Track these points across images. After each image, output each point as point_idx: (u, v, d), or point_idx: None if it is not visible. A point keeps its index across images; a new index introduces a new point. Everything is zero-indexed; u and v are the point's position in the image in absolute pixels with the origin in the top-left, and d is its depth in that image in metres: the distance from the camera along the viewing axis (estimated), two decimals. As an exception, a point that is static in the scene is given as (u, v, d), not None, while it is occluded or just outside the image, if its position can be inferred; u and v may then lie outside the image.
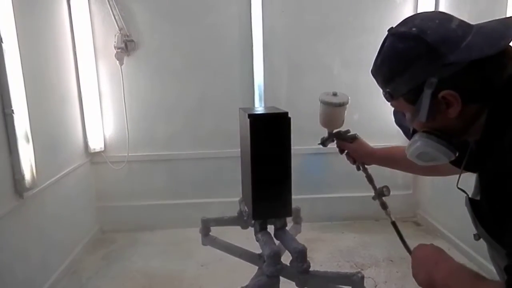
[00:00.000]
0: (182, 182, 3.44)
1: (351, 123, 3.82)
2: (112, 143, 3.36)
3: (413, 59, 0.79)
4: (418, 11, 3.21)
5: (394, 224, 1.29)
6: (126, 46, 3.12)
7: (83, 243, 3.09)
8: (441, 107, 0.79)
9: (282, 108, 1.73)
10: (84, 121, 3.18)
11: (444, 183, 2.51)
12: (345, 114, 1.48)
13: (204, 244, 1.90)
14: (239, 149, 1.84)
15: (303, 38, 3.28)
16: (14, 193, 2.21)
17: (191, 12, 3.21)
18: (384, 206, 1.42)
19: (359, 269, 2.73)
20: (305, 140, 3.50)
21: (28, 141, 2.24)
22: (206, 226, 1.84)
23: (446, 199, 2.96)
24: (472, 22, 0.82)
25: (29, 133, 2.25)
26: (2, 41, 2.05)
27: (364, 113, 3.30)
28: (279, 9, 3.22)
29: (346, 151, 1.50)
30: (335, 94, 1.46)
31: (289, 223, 1.79)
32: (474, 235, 0.86)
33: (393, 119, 1.01)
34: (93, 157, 3.31)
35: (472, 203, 0.84)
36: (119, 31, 3.09)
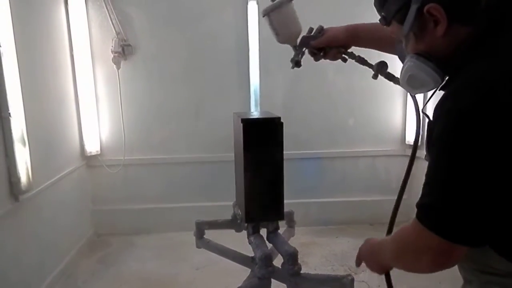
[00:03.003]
0: (177, 186, 3.45)
1: (345, 128, 3.85)
2: (108, 146, 3.36)
3: None
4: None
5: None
6: (123, 51, 3.13)
7: (79, 246, 3.09)
8: (428, 25, 0.80)
9: (278, 113, 1.75)
10: (81, 125, 3.18)
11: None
12: (296, 12, 1.31)
13: (198, 246, 1.92)
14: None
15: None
16: (10, 196, 2.21)
17: (188, 17, 3.23)
18: (389, 77, 1.23)
19: (352, 273, 2.75)
20: (300, 145, 3.54)
21: (24, 144, 2.25)
22: (200, 229, 1.86)
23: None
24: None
25: (25, 136, 2.25)
26: (0, 45, 2.07)
27: (359, 117, 3.33)
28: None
29: (321, 52, 1.31)
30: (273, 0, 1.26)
31: (283, 227, 1.81)
32: (425, 156, 0.89)
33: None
34: (89, 161, 3.31)
35: (428, 126, 0.85)
36: (116, 36, 3.11)
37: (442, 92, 0.83)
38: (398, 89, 3.41)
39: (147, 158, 3.40)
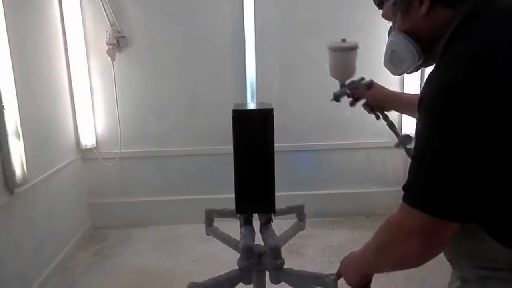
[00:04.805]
0: (174, 179, 3.44)
1: (342, 121, 3.84)
2: (104, 139, 3.35)
3: None
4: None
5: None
6: (118, 42, 3.10)
7: (75, 239, 3.09)
8: (414, 4, 0.85)
9: (274, 105, 1.74)
10: (76, 118, 3.17)
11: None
12: (357, 60, 1.39)
13: (207, 233, 1.92)
14: (231, 146, 1.85)
15: (295, 36, 3.30)
16: (5, 189, 2.21)
17: (184, 9, 3.20)
18: (409, 152, 1.24)
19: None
20: (296, 137, 3.54)
21: (18, 137, 2.23)
22: (209, 217, 1.85)
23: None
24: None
25: (19, 129, 2.24)
26: (-8, 37, 2.04)
27: (356, 110, 3.31)
28: (271, 7, 3.23)
29: (359, 101, 1.40)
30: (344, 41, 1.40)
31: (294, 219, 1.80)
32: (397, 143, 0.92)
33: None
34: (84, 154, 3.30)
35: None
36: (110, 27, 3.08)
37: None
38: (394, 81, 3.41)
39: (143, 151, 3.39)
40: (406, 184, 0.82)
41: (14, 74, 2.20)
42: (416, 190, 0.79)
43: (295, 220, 1.86)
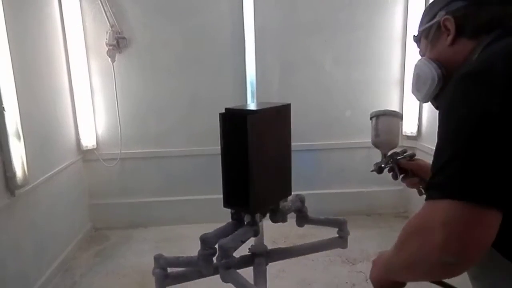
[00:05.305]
0: (175, 179, 3.45)
1: (342, 120, 3.85)
2: (105, 140, 3.35)
3: (436, 1, 0.96)
4: (409, 9, 3.24)
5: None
6: (118, 43, 3.11)
7: (76, 240, 3.09)
8: (442, 36, 0.92)
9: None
10: (76, 119, 3.17)
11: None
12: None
13: None
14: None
15: (295, 35, 3.30)
16: (6, 190, 2.21)
17: (183, 9, 3.21)
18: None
19: (350, 263, 2.77)
20: (296, 136, 3.52)
21: (19, 138, 2.23)
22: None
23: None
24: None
25: (20, 130, 2.24)
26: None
27: (356, 109, 3.33)
28: (271, 6, 3.23)
29: (402, 174, 1.30)
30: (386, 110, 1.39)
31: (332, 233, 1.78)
32: None
33: None
34: (85, 155, 3.30)
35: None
36: (110, 28, 3.08)
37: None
38: (394, 81, 3.41)
39: (144, 151, 3.39)
40: (427, 185, 0.71)
41: (14, 75, 2.20)
42: (439, 182, 0.67)
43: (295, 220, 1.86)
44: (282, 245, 2.27)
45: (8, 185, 2.21)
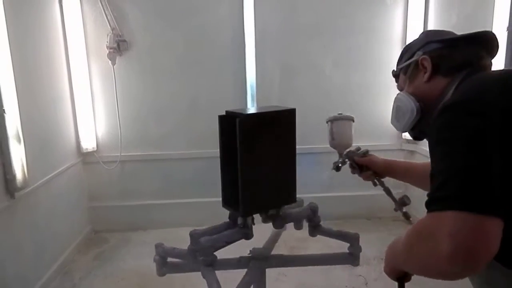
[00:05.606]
0: (174, 182, 3.44)
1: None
2: (105, 143, 3.35)
3: (414, 43, 1.09)
4: (409, 12, 3.25)
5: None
6: (119, 46, 3.12)
7: (76, 243, 3.09)
8: (419, 73, 1.02)
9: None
10: (76, 121, 3.17)
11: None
12: (353, 131, 1.53)
13: None
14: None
15: (295, 39, 3.31)
16: (6, 193, 2.21)
17: (183, 12, 3.22)
18: (406, 216, 1.44)
19: (350, 267, 2.76)
20: (296, 140, 3.53)
21: (19, 141, 2.24)
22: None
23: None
24: (460, 24, 0.90)
25: (20, 133, 2.24)
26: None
27: (355, 113, 3.28)
28: (271, 9, 3.24)
29: (358, 169, 1.47)
30: (340, 114, 1.56)
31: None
32: None
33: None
34: (85, 157, 3.30)
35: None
36: (111, 31, 3.09)
37: None
38: (394, 85, 3.41)
39: (144, 154, 3.39)
40: (428, 200, 0.72)
41: (15, 78, 2.21)
42: (441, 196, 0.70)
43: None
44: (281, 247, 2.26)
45: (8, 187, 2.21)
